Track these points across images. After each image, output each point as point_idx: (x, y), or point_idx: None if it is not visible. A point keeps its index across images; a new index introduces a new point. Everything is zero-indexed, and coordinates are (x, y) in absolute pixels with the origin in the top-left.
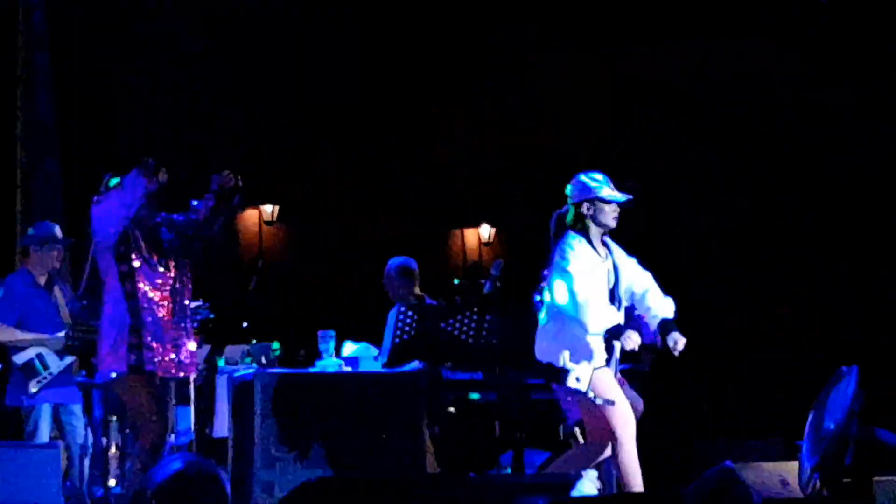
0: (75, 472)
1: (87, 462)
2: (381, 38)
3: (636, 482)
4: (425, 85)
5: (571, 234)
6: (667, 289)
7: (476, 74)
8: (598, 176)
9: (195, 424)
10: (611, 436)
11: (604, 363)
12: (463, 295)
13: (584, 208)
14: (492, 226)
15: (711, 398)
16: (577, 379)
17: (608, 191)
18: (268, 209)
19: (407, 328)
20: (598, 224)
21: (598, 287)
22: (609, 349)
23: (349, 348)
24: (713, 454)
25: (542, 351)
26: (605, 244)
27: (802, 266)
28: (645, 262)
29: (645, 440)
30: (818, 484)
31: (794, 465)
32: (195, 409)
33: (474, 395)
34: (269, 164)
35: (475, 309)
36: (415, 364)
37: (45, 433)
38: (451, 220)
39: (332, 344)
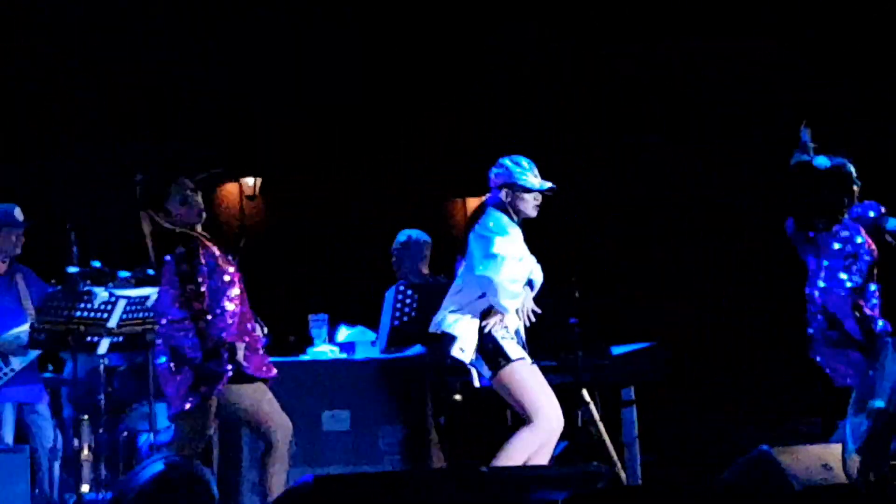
0: (44, 477)
1: (57, 466)
2: (377, 22)
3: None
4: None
5: (493, 210)
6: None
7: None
8: (524, 162)
9: None
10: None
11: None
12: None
13: (504, 194)
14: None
15: (745, 378)
16: (462, 350)
17: (531, 178)
18: (249, 182)
19: (407, 309)
20: (517, 212)
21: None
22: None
23: (343, 333)
24: (748, 438)
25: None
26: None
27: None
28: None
29: (677, 425)
30: (864, 468)
31: (837, 447)
32: None
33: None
34: (249, 133)
35: None
36: (417, 348)
37: (8, 436)
38: (453, 189)
39: (324, 329)
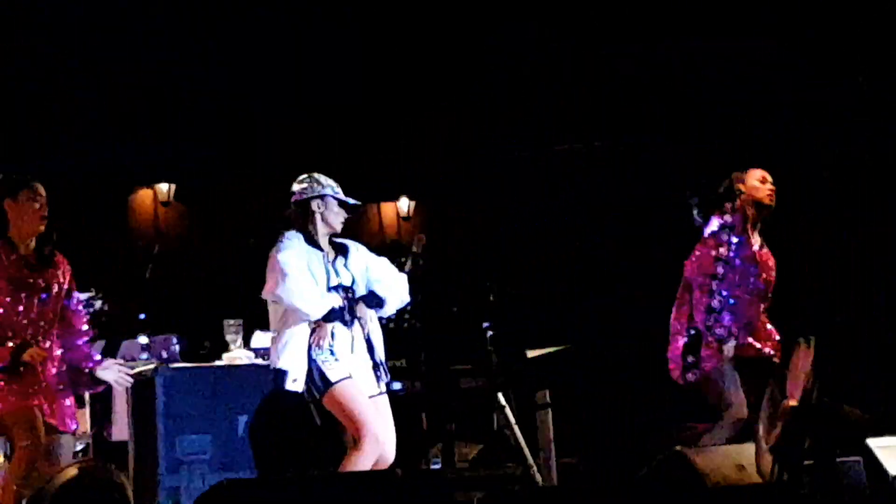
0: None
1: None
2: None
3: None
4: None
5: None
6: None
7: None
8: (322, 177)
9: (91, 427)
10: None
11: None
12: None
13: (315, 205)
14: (411, 199)
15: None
16: (295, 381)
17: (335, 191)
18: (163, 188)
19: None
20: (327, 223)
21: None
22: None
23: (259, 338)
24: (662, 440)
25: None
26: (336, 246)
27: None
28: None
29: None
30: (777, 468)
31: (751, 447)
32: (90, 411)
33: (396, 385)
34: (163, 138)
35: None
36: None
37: None
38: (367, 194)
39: (239, 334)
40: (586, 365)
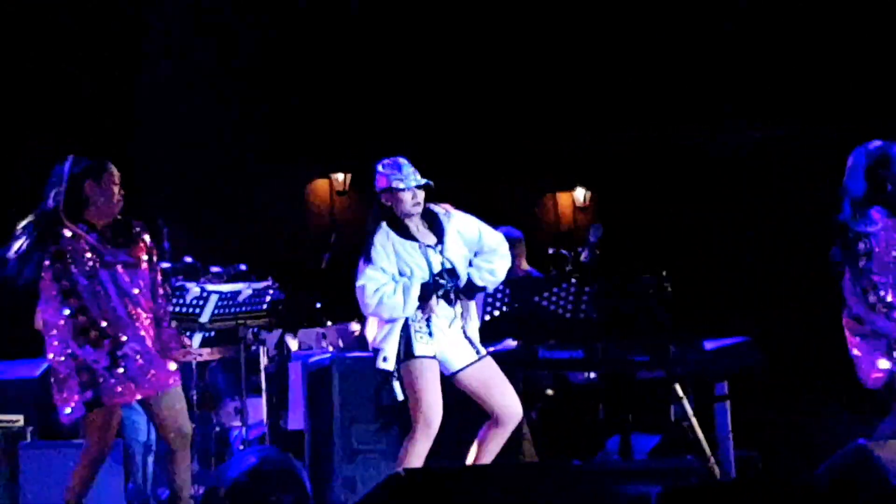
0: (138, 471)
1: (150, 460)
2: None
3: None
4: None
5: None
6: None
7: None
8: (391, 162)
9: (267, 416)
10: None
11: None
12: (558, 265)
13: (384, 199)
14: (587, 189)
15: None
16: (385, 359)
17: (402, 179)
18: (339, 177)
19: (497, 304)
20: (401, 214)
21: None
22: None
23: None
24: (842, 431)
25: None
26: (432, 224)
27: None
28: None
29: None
30: None
31: None
32: (267, 400)
33: (511, 343)
34: (339, 127)
35: (572, 280)
36: (507, 343)
37: None
38: (544, 184)
39: None
40: (766, 357)
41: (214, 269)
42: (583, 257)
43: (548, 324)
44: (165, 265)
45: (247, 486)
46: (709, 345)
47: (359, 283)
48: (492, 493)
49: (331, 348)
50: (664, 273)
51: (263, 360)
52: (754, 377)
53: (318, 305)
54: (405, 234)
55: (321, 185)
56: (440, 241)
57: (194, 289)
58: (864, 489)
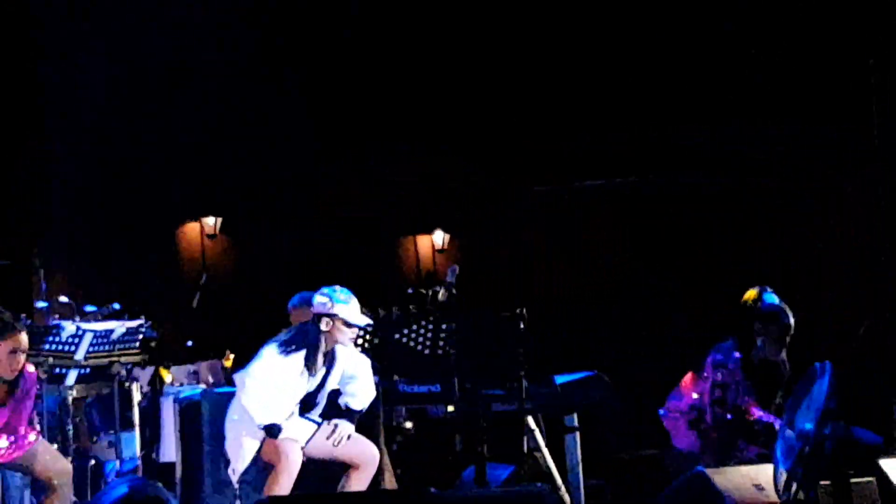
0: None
1: (27, 493)
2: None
3: None
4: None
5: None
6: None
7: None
8: (343, 295)
9: (140, 449)
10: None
11: None
12: (417, 304)
13: (324, 324)
14: (445, 232)
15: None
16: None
17: (349, 313)
18: (210, 221)
19: (359, 340)
20: (334, 339)
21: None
22: None
23: None
24: (683, 460)
25: None
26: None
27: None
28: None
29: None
30: (794, 487)
31: (769, 468)
32: (140, 434)
33: (433, 409)
34: (210, 175)
35: (430, 318)
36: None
37: None
38: (403, 228)
39: None
40: (612, 390)
41: (89, 308)
42: (441, 296)
43: (407, 359)
44: (42, 304)
45: None
46: (559, 379)
47: (265, 358)
48: None
49: (202, 385)
50: (518, 312)
51: (137, 396)
52: (602, 409)
53: (189, 344)
54: (309, 354)
55: (192, 228)
56: (328, 372)
57: (69, 327)
58: None
